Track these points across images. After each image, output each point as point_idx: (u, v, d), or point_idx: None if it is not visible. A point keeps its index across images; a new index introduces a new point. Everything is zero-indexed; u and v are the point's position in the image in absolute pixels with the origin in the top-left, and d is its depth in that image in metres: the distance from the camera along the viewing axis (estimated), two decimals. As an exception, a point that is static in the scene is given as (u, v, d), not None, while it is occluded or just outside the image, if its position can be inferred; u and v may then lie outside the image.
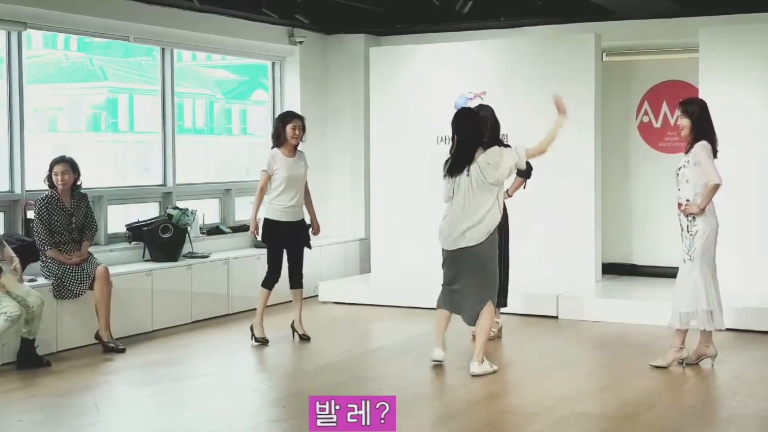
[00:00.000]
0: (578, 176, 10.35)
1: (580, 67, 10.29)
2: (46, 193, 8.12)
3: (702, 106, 7.41)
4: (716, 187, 7.14)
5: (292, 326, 8.60)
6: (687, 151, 7.33)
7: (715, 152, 7.29)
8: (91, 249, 8.69)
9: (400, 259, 10.92)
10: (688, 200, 7.28)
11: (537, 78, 10.47)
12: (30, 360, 7.50)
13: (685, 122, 7.35)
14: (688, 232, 7.30)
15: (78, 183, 8.22)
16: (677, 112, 7.51)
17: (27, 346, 7.52)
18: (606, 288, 10.21)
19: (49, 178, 8.11)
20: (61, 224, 8.07)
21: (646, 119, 11.04)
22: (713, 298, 7.29)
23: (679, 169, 7.37)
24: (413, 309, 9.88)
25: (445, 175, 7.37)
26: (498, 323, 8.55)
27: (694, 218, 7.25)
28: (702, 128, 7.29)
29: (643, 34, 10.73)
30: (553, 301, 9.59)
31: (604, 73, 10.68)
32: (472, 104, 10.55)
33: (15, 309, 7.22)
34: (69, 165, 8.12)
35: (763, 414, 6.24)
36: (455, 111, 7.66)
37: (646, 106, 11.02)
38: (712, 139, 7.30)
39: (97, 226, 8.49)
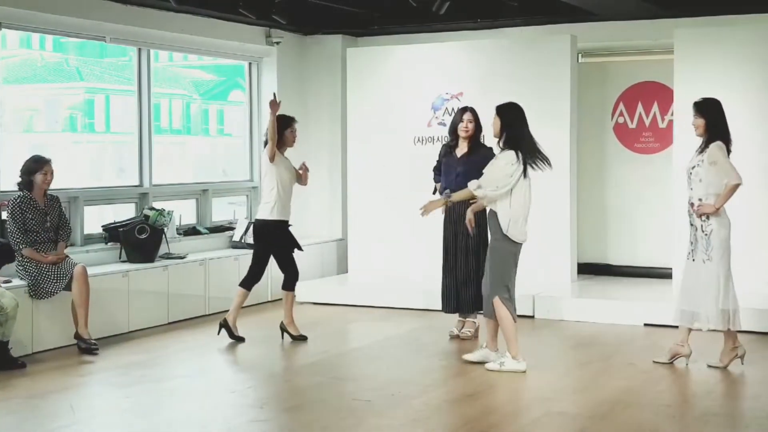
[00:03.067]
0: (554, 176, 10.35)
1: (556, 68, 10.34)
2: (19, 194, 8.05)
3: (716, 105, 7.39)
4: (736, 186, 7.13)
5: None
6: (702, 150, 7.31)
7: (728, 151, 7.28)
8: (67, 250, 8.66)
9: (377, 259, 10.93)
10: (700, 199, 7.27)
11: (513, 79, 10.50)
12: (4, 362, 7.45)
13: (699, 122, 7.34)
14: (702, 231, 7.27)
15: None
16: (692, 112, 7.44)
17: (0, 348, 7.48)
18: (582, 288, 10.26)
19: (24, 178, 8.05)
20: (35, 223, 8.02)
21: (621, 120, 11.10)
22: (732, 297, 7.28)
23: (693, 168, 7.32)
24: (390, 309, 9.90)
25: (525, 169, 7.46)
26: (475, 323, 8.59)
27: (708, 217, 7.22)
28: (716, 127, 7.28)
29: (619, 35, 10.80)
30: (529, 301, 9.62)
31: (580, 74, 10.74)
32: (449, 105, 10.63)
33: None
34: (52, 165, 8.14)
35: (737, 413, 6.30)
36: (510, 104, 7.68)
37: (621, 107, 11.08)
38: (726, 139, 7.28)
39: (70, 228, 8.45)
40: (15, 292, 7.57)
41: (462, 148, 8.44)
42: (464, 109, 8.53)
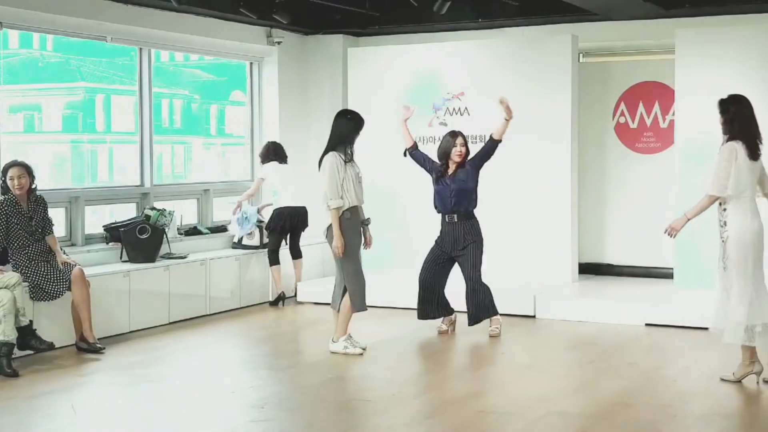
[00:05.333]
0: (555, 176, 10.40)
1: (557, 68, 10.34)
2: (2, 197, 7.92)
3: (739, 101, 7.06)
4: (711, 198, 6.84)
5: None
6: None
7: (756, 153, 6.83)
8: (68, 250, 8.66)
9: (378, 259, 10.92)
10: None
11: (514, 79, 10.51)
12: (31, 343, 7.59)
13: (720, 119, 6.99)
14: (720, 237, 6.92)
15: (33, 186, 8.01)
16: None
17: (25, 330, 7.55)
18: (583, 288, 10.26)
19: (3, 182, 7.93)
20: (20, 226, 7.92)
21: (622, 120, 11.10)
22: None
23: None
24: (390, 309, 9.89)
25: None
26: (499, 320, 8.74)
27: (725, 223, 6.87)
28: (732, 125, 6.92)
29: (620, 35, 10.79)
30: (530, 301, 9.62)
31: (581, 74, 10.74)
32: (450, 105, 10.66)
33: None
34: (24, 169, 7.91)
35: (738, 413, 6.29)
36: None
37: (622, 107, 11.07)
38: (745, 138, 6.85)
39: (51, 222, 8.23)
40: (19, 291, 7.55)
41: (450, 169, 8.65)
42: (455, 134, 8.67)
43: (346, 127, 8.01)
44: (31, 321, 7.63)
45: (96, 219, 9.63)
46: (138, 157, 10.14)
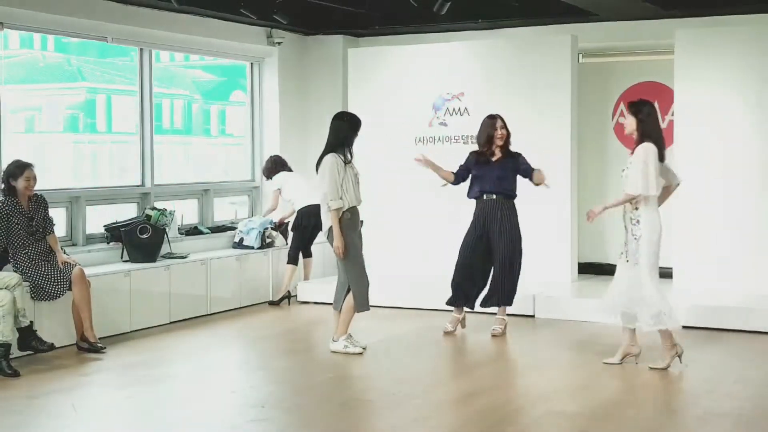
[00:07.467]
0: (555, 176, 10.38)
1: (557, 69, 10.35)
2: (2, 199, 7.92)
3: (649, 107, 7.46)
4: (629, 196, 7.24)
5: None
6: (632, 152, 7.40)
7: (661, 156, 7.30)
8: (68, 250, 8.68)
9: (380, 259, 10.94)
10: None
11: (514, 79, 10.53)
12: (31, 344, 7.59)
13: (630, 120, 7.42)
14: (633, 235, 7.30)
15: None
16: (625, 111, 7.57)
17: (26, 332, 7.56)
18: (582, 287, 10.27)
19: (6, 183, 7.94)
20: (21, 227, 7.92)
21: (622, 120, 11.04)
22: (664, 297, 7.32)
23: (623, 170, 7.41)
24: (391, 309, 9.90)
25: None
26: (504, 319, 8.77)
27: (638, 222, 7.25)
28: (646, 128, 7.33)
29: (620, 35, 10.81)
30: (530, 301, 9.63)
31: (581, 74, 10.75)
32: (450, 105, 10.67)
33: None
34: (33, 171, 7.94)
35: (737, 413, 6.30)
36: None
37: (622, 107, 11.08)
38: (657, 142, 7.31)
39: (52, 221, 8.26)
40: (19, 292, 7.57)
41: (496, 154, 8.62)
42: (493, 117, 8.63)
43: (343, 129, 8.02)
44: (31, 322, 7.64)
45: (97, 219, 9.64)
46: (139, 157, 10.16)
